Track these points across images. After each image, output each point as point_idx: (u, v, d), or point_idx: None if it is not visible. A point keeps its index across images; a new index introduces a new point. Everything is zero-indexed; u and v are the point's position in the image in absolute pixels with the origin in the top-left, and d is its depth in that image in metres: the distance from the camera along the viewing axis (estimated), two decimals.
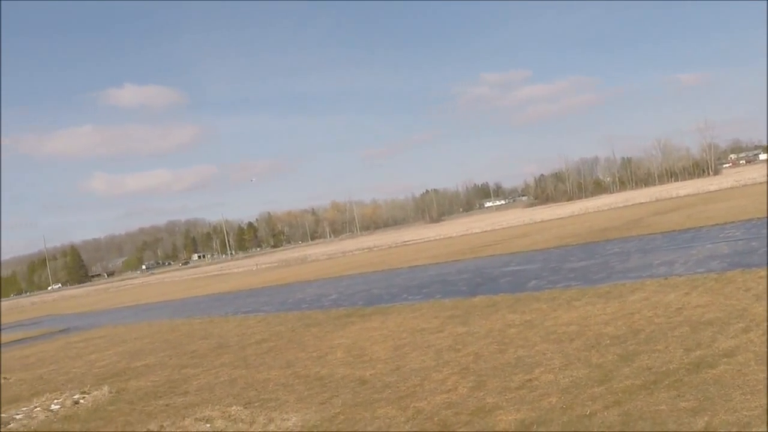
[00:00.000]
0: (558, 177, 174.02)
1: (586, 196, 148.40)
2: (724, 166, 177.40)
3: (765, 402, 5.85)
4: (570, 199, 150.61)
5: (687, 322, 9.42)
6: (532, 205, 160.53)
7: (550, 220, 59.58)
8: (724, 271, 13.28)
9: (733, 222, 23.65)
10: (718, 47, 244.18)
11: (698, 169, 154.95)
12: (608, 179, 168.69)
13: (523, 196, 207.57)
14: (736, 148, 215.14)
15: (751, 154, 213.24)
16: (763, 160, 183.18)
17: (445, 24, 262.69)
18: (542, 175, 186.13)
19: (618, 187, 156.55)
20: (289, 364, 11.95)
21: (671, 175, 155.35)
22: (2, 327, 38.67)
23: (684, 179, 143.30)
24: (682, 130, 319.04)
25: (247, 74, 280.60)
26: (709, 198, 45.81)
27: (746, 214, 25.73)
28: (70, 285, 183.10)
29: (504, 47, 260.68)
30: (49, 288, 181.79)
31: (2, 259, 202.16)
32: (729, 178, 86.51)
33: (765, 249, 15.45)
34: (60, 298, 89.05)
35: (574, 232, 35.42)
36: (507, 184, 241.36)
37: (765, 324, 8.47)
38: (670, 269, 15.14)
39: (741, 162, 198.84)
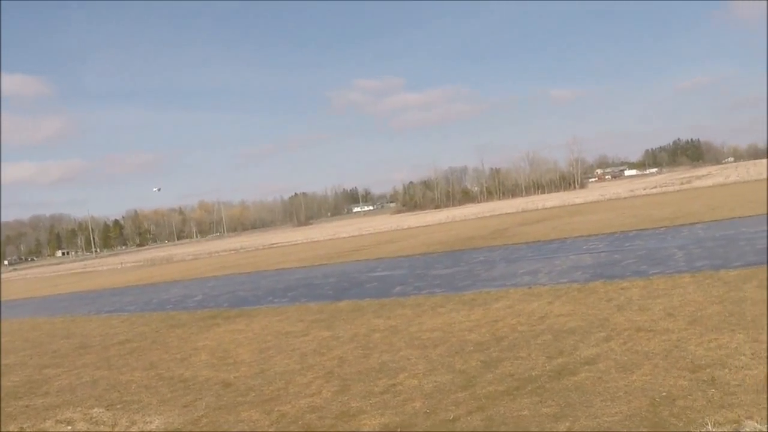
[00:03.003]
0: (427, 185, 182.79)
1: (454, 205, 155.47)
2: (591, 180, 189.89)
3: (625, 408, 6.44)
4: (438, 206, 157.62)
5: (550, 331, 10.17)
6: (399, 211, 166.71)
7: (418, 227, 62.13)
8: (587, 282, 14.37)
9: (597, 234, 25.39)
10: (590, 65, 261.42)
11: (565, 182, 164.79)
12: (476, 189, 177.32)
13: (391, 202, 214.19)
14: (603, 164, 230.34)
15: (617, 169, 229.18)
16: (629, 176, 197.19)
17: (322, 28, 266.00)
18: (411, 182, 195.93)
19: (486, 197, 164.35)
20: (152, 365, 12.27)
21: (538, 187, 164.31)
22: None
23: (551, 192, 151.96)
24: (551, 144, 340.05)
25: (124, 68, 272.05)
26: (575, 210, 48.72)
27: (610, 227, 27.75)
28: None
29: (379, 55, 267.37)
30: None
31: None
32: (594, 192, 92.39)
33: (627, 261, 16.78)
34: None
35: (440, 239, 37.04)
36: (376, 190, 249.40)
37: (626, 333, 9.27)
38: (535, 278, 16.15)
39: (607, 177, 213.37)
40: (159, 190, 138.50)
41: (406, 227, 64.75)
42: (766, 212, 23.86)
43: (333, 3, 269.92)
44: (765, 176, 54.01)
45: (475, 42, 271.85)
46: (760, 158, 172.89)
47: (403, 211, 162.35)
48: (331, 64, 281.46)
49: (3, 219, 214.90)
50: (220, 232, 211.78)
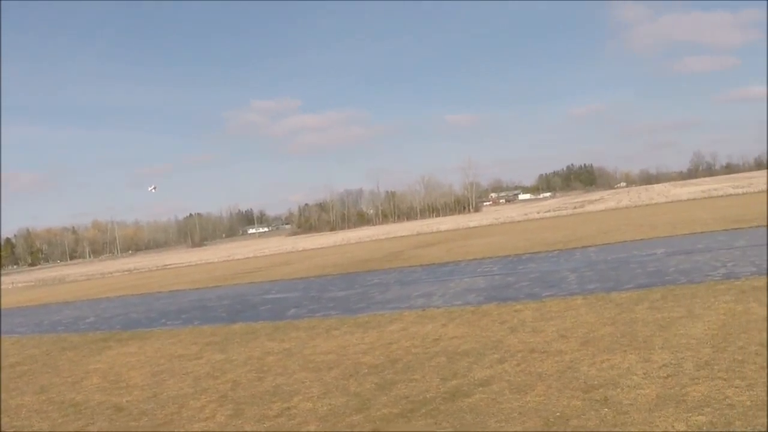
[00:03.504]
0: (322, 207, 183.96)
1: (349, 227, 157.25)
2: (485, 204, 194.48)
3: (519, 429, 6.47)
4: (333, 229, 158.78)
5: (444, 353, 10.21)
6: (295, 233, 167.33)
7: (312, 249, 62.64)
8: (481, 304, 14.56)
9: (490, 257, 25.87)
10: (485, 91, 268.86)
11: (460, 205, 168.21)
12: (372, 211, 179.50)
13: (287, 224, 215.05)
14: (497, 188, 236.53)
15: (511, 193, 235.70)
16: (523, 200, 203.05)
17: (219, 47, 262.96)
18: (307, 204, 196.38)
19: (381, 220, 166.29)
20: (43, 389, 11.97)
21: (433, 210, 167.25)
22: None
23: (446, 215, 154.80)
24: (446, 168, 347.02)
25: (12, 83, 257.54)
26: (469, 234, 49.61)
27: (504, 250, 28.35)
28: None
29: (276, 75, 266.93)
30: None
31: None
32: (489, 215, 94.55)
33: (521, 284, 17.13)
34: None
35: (335, 261, 37.26)
36: (272, 212, 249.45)
37: (519, 355, 9.38)
38: (429, 301, 16.29)
39: (501, 201, 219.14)
40: (155, 188, 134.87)
41: (301, 249, 65.28)
42: (656, 236, 24.90)
43: (231, 22, 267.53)
44: (657, 201, 56.57)
45: (372, 66, 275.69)
46: (652, 183, 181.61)
47: (299, 233, 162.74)
48: (228, 84, 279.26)
49: None
50: (114, 253, 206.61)
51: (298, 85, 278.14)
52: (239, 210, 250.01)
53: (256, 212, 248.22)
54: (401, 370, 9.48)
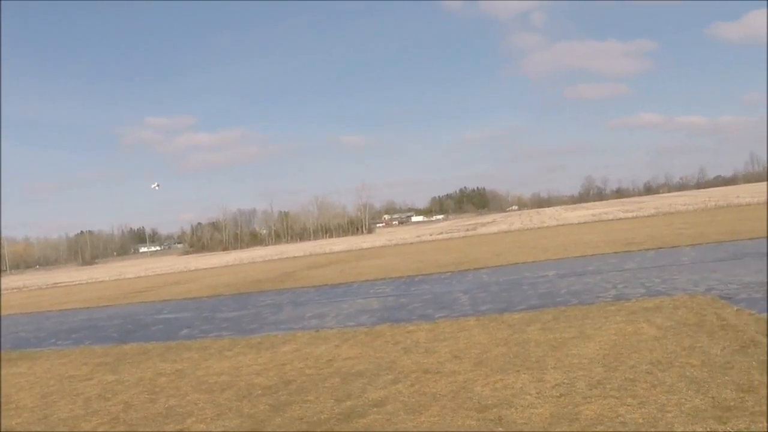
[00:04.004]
0: (215, 226, 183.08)
1: (242, 247, 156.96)
2: (378, 225, 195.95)
3: None
4: (226, 249, 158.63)
5: (338, 374, 10.20)
6: (187, 252, 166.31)
7: (205, 268, 62.47)
8: (374, 325, 14.65)
9: (383, 279, 26.03)
10: (380, 113, 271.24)
11: (353, 226, 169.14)
12: (265, 232, 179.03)
13: (179, 243, 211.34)
14: (391, 209, 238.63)
15: (404, 215, 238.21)
16: (416, 222, 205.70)
17: (113, 60, 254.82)
18: (200, 223, 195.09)
19: (274, 240, 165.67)
20: None
21: (326, 231, 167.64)
22: None
23: (339, 236, 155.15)
24: (340, 189, 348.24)
25: None
26: (362, 255, 49.79)
27: (396, 271, 28.58)
28: None
29: (170, 92, 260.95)
30: None
31: None
32: (382, 237, 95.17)
33: (414, 305, 17.33)
34: None
35: (228, 281, 37.18)
36: (164, 230, 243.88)
37: (413, 375, 9.44)
38: (322, 322, 16.33)
39: (394, 222, 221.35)
40: (158, 186, 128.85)
41: (193, 269, 65.10)
42: (547, 258, 25.63)
43: (125, 36, 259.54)
44: (549, 224, 58.30)
45: (268, 85, 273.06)
46: (543, 207, 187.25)
47: (191, 253, 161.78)
48: (121, 99, 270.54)
49: None
50: (3, 270, 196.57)
51: (193, 102, 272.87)
52: (131, 228, 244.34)
53: (148, 230, 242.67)
54: (295, 392, 9.44)
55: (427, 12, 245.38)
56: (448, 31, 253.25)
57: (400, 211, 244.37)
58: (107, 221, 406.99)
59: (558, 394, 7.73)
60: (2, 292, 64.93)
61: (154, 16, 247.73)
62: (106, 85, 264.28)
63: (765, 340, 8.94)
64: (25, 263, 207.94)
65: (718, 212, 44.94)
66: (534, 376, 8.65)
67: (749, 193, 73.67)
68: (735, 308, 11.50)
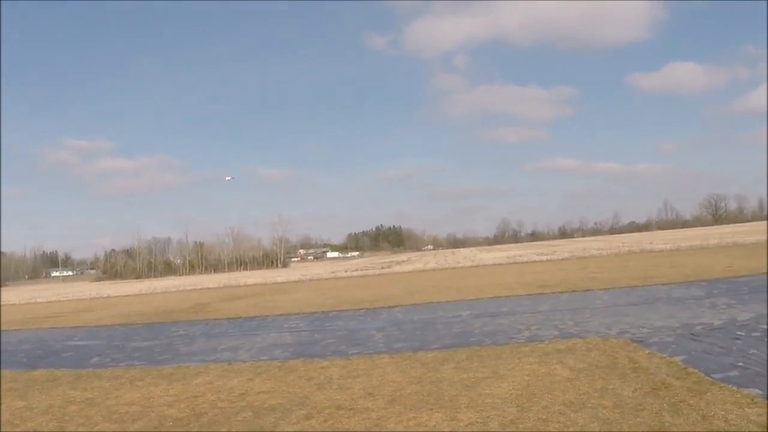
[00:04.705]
0: (129, 254, 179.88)
1: (156, 276, 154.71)
2: (293, 260, 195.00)
3: None
4: (139, 277, 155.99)
5: (250, 407, 10.07)
6: (100, 279, 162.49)
7: (117, 296, 61.14)
8: (287, 360, 14.57)
9: (297, 313, 25.84)
10: (299, 148, 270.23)
11: (268, 260, 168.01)
12: (179, 261, 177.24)
13: (92, 268, 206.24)
14: (306, 244, 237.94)
15: (319, 250, 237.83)
16: (331, 257, 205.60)
17: (34, 80, 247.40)
18: (114, 249, 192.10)
19: (188, 270, 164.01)
20: None
21: (241, 263, 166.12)
22: None
23: (253, 269, 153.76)
24: (257, 222, 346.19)
25: None
26: (276, 289, 49.31)
27: (311, 306, 28.40)
28: None
29: (91, 114, 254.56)
30: None
31: None
32: (296, 271, 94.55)
33: (327, 341, 17.25)
34: None
35: (140, 310, 36.46)
36: (77, 255, 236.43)
37: (326, 411, 9.36)
38: (235, 355, 16.16)
39: (309, 257, 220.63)
40: (232, 178, 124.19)
41: (105, 296, 63.50)
42: (461, 298, 25.88)
43: (47, 54, 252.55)
44: (464, 264, 58.94)
45: (188, 114, 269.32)
46: (459, 247, 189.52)
47: (104, 279, 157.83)
48: (41, 119, 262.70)
49: None
50: None
51: (114, 127, 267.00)
52: (43, 251, 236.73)
53: (61, 254, 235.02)
54: (206, 424, 9.31)
55: (350, 48, 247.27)
56: (371, 68, 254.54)
57: (316, 246, 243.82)
58: (20, 243, 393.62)
59: None
60: None
61: (78, 35, 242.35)
62: (25, 103, 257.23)
63: (676, 383, 9.21)
64: None
65: (631, 257, 46.20)
66: (447, 414, 8.68)
67: (662, 239, 76.22)
68: (647, 351, 11.84)
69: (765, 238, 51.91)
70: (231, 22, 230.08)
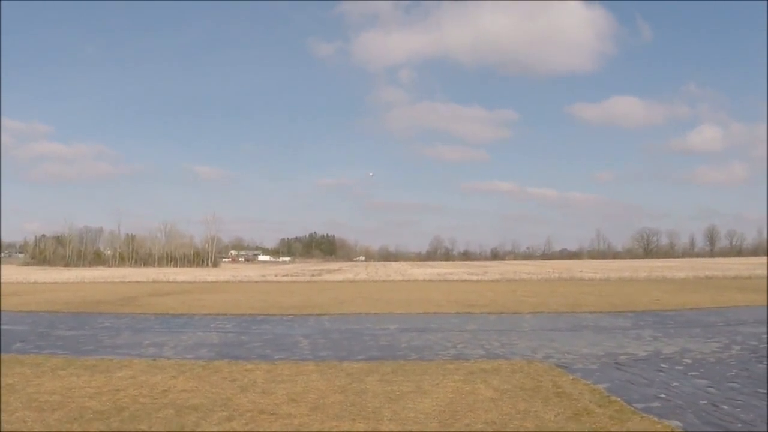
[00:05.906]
0: (59, 240, 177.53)
1: (85, 265, 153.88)
2: (224, 260, 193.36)
3: None
4: (68, 265, 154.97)
5: (172, 405, 9.98)
6: (28, 264, 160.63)
7: (45, 282, 60.73)
8: (212, 360, 14.47)
9: (225, 314, 25.62)
10: (236, 148, 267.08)
11: (199, 258, 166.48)
12: (109, 252, 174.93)
13: (20, 253, 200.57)
14: (238, 246, 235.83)
15: (251, 253, 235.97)
16: (262, 261, 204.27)
17: None
18: (44, 235, 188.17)
19: (118, 262, 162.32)
20: None
21: (172, 259, 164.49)
22: None
23: (184, 266, 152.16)
24: (190, 219, 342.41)
25: None
26: (206, 288, 48.79)
27: (239, 308, 28.21)
28: None
29: (29, 95, 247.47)
30: None
31: None
32: (227, 272, 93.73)
33: (254, 344, 17.18)
34: None
35: (67, 299, 36.00)
36: (6, 238, 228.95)
37: (248, 414, 9.32)
38: (160, 351, 16.00)
39: (240, 259, 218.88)
40: (372, 174, 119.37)
41: (32, 281, 63.06)
42: (390, 311, 25.99)
43: None
44: (394, 278, 59.11)
45: (128, 104, 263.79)
46: (390, 261, 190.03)
47: (32, 264, 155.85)
48: None
49: None
50: None
51: (51, 110, 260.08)
52: None
53: None
54: (127, 419, 9.20)
55: (295, 53, 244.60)
56: (315, 75, 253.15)
57: (248, 248, 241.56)
58: None
59: None
60: None
61: (26, 13, 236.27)
62: None
63: (598, 410, 9.43)
64: None
65: (560, 284, 46.90)
66: (369, 425, 8.73)
67: (592, 268, 77.50)
68: (571, 377, 12.07)
69: (693, 274, 53.55)
70: (178, 17, 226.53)
